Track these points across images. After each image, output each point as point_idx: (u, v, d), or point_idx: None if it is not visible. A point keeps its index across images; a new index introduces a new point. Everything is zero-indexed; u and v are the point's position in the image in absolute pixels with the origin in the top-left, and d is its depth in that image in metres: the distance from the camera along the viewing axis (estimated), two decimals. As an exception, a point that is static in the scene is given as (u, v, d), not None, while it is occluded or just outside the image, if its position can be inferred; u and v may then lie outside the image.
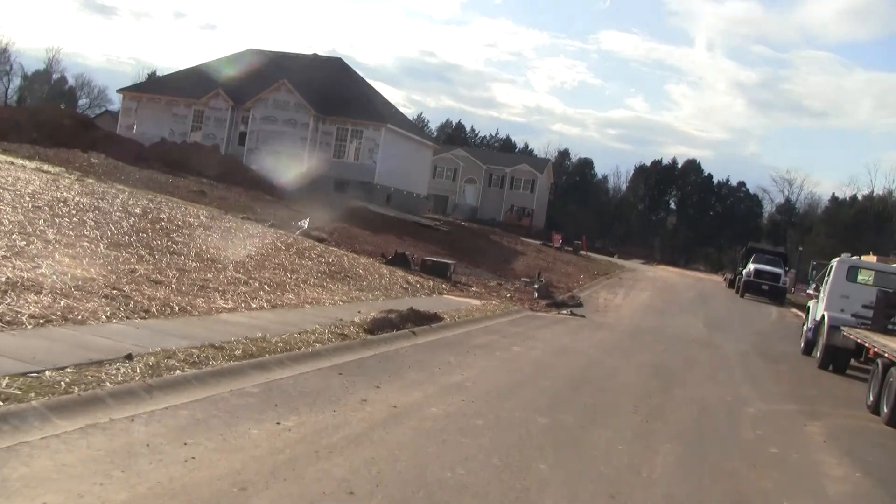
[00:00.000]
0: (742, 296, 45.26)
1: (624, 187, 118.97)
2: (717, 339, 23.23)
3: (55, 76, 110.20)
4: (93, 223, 16.96)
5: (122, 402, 7.10)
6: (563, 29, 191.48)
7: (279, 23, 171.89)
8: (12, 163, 27.42)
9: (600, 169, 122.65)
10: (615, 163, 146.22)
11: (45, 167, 28.70)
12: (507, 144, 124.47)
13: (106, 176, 30.87)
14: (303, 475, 6.20)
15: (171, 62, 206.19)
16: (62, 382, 7.08)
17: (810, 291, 26.02)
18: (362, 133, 55.08)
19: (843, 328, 18.28)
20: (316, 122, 54.86)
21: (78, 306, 10.15)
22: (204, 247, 18.18)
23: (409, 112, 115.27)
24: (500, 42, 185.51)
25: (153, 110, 57.49)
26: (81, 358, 8.02)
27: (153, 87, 62.78)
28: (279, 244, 22.35)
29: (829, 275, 22.01)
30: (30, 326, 8.84)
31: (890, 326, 17.52)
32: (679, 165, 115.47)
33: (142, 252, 15.42)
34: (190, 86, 56.08)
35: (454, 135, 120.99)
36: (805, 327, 23.40)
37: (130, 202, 22.40)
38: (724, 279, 59.73)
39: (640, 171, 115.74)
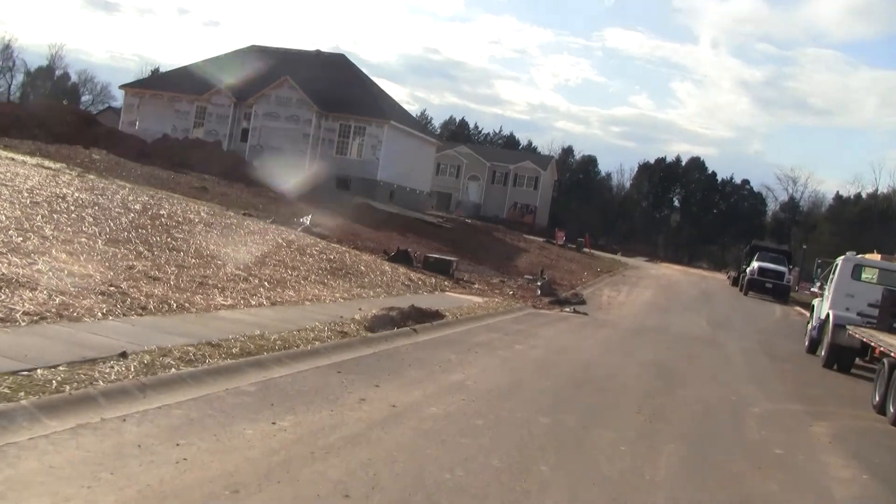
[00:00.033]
0: (746, 294, 45.09)
1: (628, 185, 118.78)
2: (720, 337, 23.07)
3: (58, 73, 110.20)
4: (91, 219, 16.81)
5: (114, 402, 6.95)
6: (567, 26, 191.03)
7: (283, 20, 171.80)
8: (13, 159, 27.33)
9: (604, 166, 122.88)
10: (619, 160, 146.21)
11: (46, 163, 28.59)
12: (510, 141, 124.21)
13: (107, 172, 30.77)
14: (297, 477, 6.04)
15: (174, 59, 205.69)
16: (54, 381, 6.94)
17: (815, 290, 25.89)
18: (365, 130, 54.87)
19: (848, 327, 18.14)
20: (319, 119, 54.67)
21: (73, 303, 10.01)
22: (204, 243, 18.05)
23: (413, 109, 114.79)
24: (504, 39, 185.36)
25: (155, 107, 57.32)
26: (75, 356, 7.88)
27: (155, 84, 62.55)
28: (280, 241, 22.21)
29: (834, 273, 21.84)
30: (23, 324, 8.70)
31: (896, 325, 17.38)
32: (683, 163, 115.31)
33: (140, 248, 15.28)
34: (192, 82, 55.87)
35: (458, 132, 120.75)
36: (809, 326, 23.24)
37: (130, 198, 22.27)
38: (728, 277, 59.56)
39: (644, 168, 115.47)
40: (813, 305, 23.77)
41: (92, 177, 26.95)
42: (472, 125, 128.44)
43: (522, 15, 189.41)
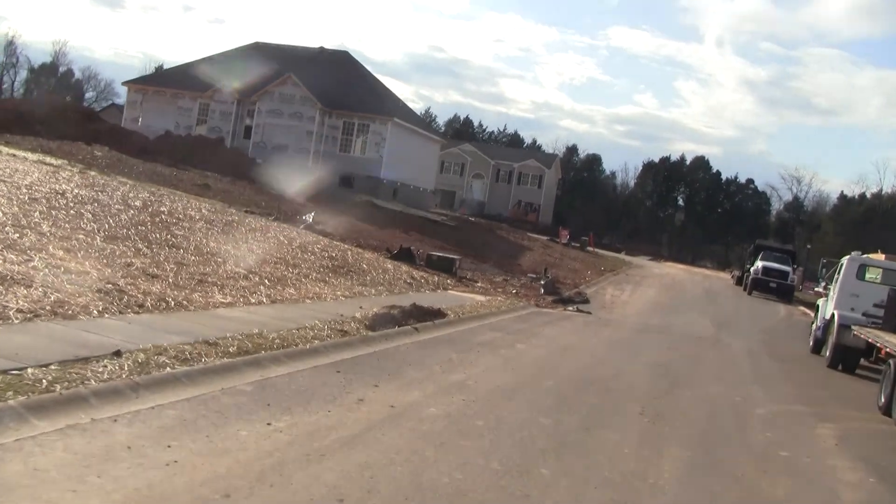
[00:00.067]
0: (750, 293, 44.92)
1: (632, 184, 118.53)
2: (724, 337, 22.89)
3: (62, 69, 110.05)
4: (90, 216, 16.66)
5: (105, 402, 6.79)
6: (572, 25, 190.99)
7: (288, 18, 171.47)
8: (14, 155, 27.19)
9: (608, 165, 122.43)
10: (623, 159, 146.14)
11: (48, 159, 28.45)
12: (515, 140, 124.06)
13: (109, 169, 30.64)
14: (291, 480, 5.87)
15: (179, 56, 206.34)
16: (44, 380, 6.78)
17: (819, 290, 25.70)
18: (369, 127, 54.77)
19: (853, 327, 17.96)
20: (322, 116, 54.55)
21: (69, 300, 9.85)
22: (204, 241, 17.90)
23: (417, 107, 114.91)
24: (509, 37, 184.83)
25: (158, 103, 57.23)
26: (67, 354, 7.72)
27: (159, 80, 62.44)
28: (282, 238, 22.07)
29: (839, 273, 21.66)
30: (16, 321, 8.54)
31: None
32: (687, 162, 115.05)
33: (139, 245, 15.13)
34: (195, 79, 55.73)
35: (462, 130, 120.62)
36: (814, 326, 23.06)
37: (131, 195, 22.13)
38: (732, 276, 59.37)
39: (649, 167, 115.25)
40: (817, 305, 23.61)
41: (93, 173, 26.81)
42: (476, 123, 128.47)
43: (527, 13, 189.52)
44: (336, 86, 55.26)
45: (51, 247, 12.65)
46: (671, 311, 29.05)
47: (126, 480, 5.33)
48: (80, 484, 5.15)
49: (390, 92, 64.91)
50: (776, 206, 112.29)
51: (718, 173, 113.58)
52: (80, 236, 14.30)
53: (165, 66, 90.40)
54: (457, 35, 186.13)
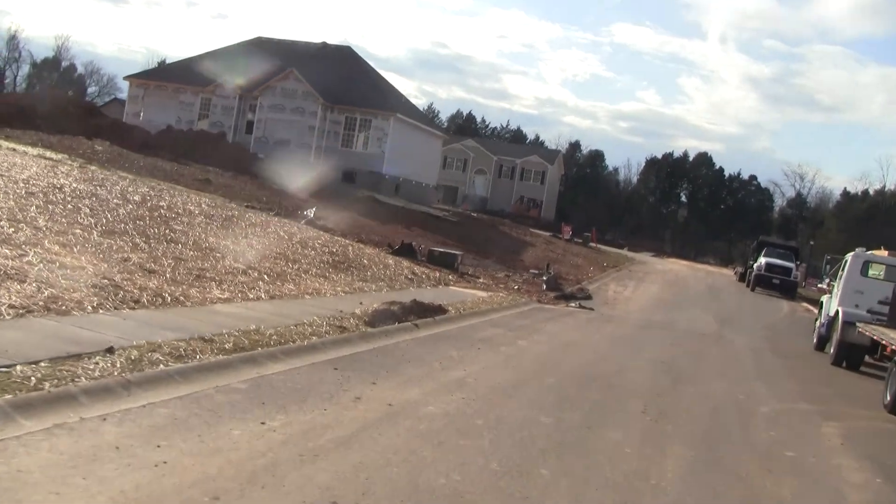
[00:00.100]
0: (753, 290, 44.73)
1: (635, 180, 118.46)
2: (728, 333, 22.72)
3: (64, 64, 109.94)
4: (88, 210, 16.52)
5: (95, 400, 6.63)
6: (575, 21, 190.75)
7: (291, 13, 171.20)
8: (14, 149, 27.08)
9: (611, 161, 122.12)
10: (626, 155, 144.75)
11: (48, 154, 28.35)
12: (517, 136, 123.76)
13: (109, 163, 30.50)
14: (283, 482, 5.70)
15: (182, 51, 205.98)
16: (33, 378, 6.62)
17: (823, 286, 25.56)
18: (371, 122, 54.60)
19: (858, 324, 17.81)
20: (324, 111, 54.38)
21: (63, 296, 9.70)
22: (203, 235, 17.75)
23: (420, 103, 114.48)
24: (512, 34, 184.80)
25: (160, 98, 57.08)
26: (58, 351, 7.56)
27: (160, 75, 62.31)
28: (282, 233, 21.92)
29: (843, 269, 21.52)
30: (8, 317, 8.38)
31: (907, 323, 17.06)
32: (690, 158, 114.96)
33: (137, 240, 14.97)
34: (197, 74, 55.59)
35: (465, 125, 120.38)
36: (818, 323, 22.90)
37: (130, 189, 21.98)
38: (735, 273, 59.18)
39: (652, 163, 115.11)
40: (821, 302, 23.44)
41: (93, 168, 26.68)
42: (479, 119, 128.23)
43: (530, 9, 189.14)
44: (338, 81, 55.09)
45: (46, 241, 12.51)
46: (674, 307, 28.88)
47: (112, 482, 5.16)
48: (63, 486, 4.98)
49: (393, 87, 64.74)
50: (779, 202, 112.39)
51: (721, 170, 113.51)
52: (77, 231, 14.15)
53: (168, 62, 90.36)
54: (460, 31, 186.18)
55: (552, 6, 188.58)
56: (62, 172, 22.05)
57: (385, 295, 16.38)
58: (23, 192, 16.47)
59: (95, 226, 15.14)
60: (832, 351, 19.65)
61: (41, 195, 16.74)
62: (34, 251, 11.52)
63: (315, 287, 15.61)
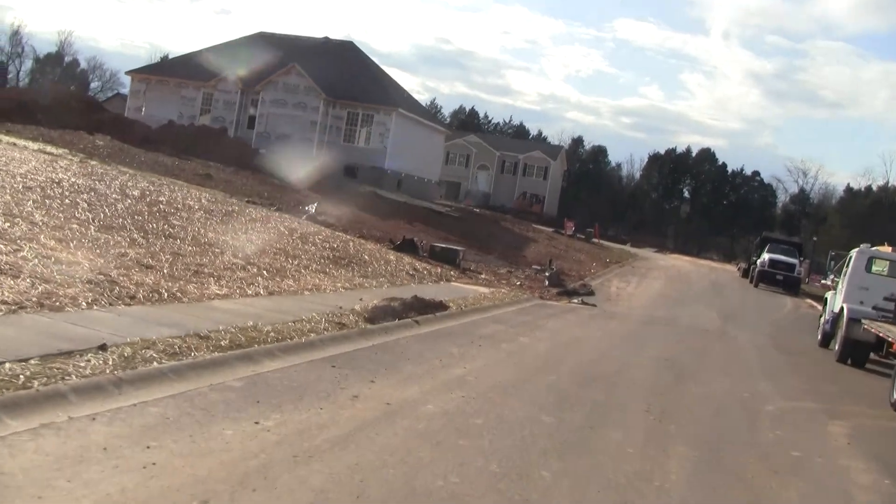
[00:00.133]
0: (756, 286, 44.56)
1: (637, 175, 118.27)
2: (731, 330, 22.54)
3: (67, 59, 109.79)
4: (86, 205, 16.36)
5: (85, 399, 6.45)
6: (578, 17, 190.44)
7: (295, 9, 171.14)
8: (14, 143, 26.97)
9: (614, 157, 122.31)
10: (629, 151, 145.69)
11: (49, 148, 28.22)
12: (520, 131, 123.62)
13: (110, 158, 30.38)
14: (275, 484, 5.52)
15: (185, 47, 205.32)
16: (21, 376, 6.44)
17: (827, 282, 25.37)
18: (373, 118, 54.40)
19: (863, 321, 17.63)
20: (326, 106, 54.19)
21: (57, 291, 9.54)
22: (202, 231, 17.60)
23: (423, 98, 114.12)
24: (515, 29, 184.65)
25: (162, 93, 56.89)
26: (50, 348, 7.39)
27: (162, 70, 62.05)
28: (282, 229, 21.76)
29: (847, 266, 21.33)
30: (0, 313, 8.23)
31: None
32: (693, 154, 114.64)
33: (135, 235, 14.82)
34: (199, 68, 55.41)
35: (467, 121, 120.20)
36: (822, 319, 22.72)
37: (130, 184, 21.83)
38: (738, 269, 59.00)
39: (654, 159, 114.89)
40: (826, 299, 23.26)
41: (94, 163, 26.56)
42: (482, 115, 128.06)
43: (533, 5, 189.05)
44: (340, 76, 54.89)
45: (42, 236, 12.36)
46: (677, 303, 28.71)
47: (98, 485, 4.99)
48: (46, 489, 4.81)
49: (395, 82, 64.53)
50: (782, 198, 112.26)
51: (724, 165, 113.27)
52: (74, 226, 14.00)
53: (171, 57, 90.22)
54: (463, 27, 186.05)
55: (555, 2, 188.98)
56: (61, 167, 21.91)
57: (386, 291, 16.21)
58: (20, 187, 16.33)
59: (93, 221, 14.99)
60: (837, 348, 19.46)
61: (39, 190, 16.60)
62: (29, 246, 11.37)
63: (315, 283, 15.45)
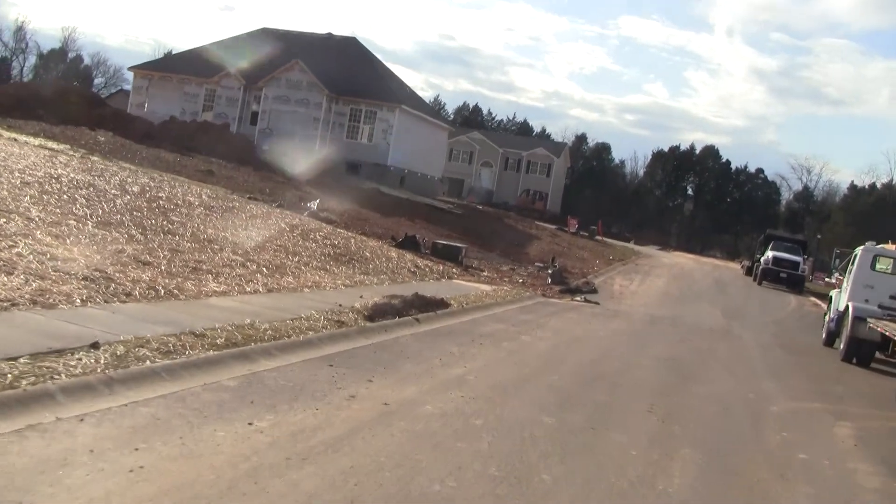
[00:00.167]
0: (759, 283, 44.36)
1: (641, 173, 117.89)
2: (735, 328, 22.36)
3: (71, 55, 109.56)
4: (84, 201, 16.18)
5: (74, 399, 6.29)
6: (582, 14, 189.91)
7: (299, 5, 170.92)
8: (15, 139, 26.80)
9: (618, 154, 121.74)
10: (633, 148, 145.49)
11: (50, 144, 28.08)
12: (524, 128, 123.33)
13: (111, 154, 30.21)
14: (266, 489, 5.33)
15: (189, 43, 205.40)
16: (9, 375, 6.28)
17: (833, 280, 25.20)
18: (376, 114, 54.26)
19: (869, 320, 17.44)
20: (329, 103, 54.05)
21: (51, 288, 9.37)
22: (202, 227, 17.42)
23: (427, 95, 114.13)
24: (519, 26, 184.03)
25: (164, 89, 56.81)
26: (40, 346, 7.23)
27: (165, 66, 61.98)
28: (283, 225, 21.57)
29: (852, 263, 21.13)
30: (-10, 310, 8.07)
31: (920, 319, 16.72)
32: (697, 151, 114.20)
33: (133, 232, 14.65)
34: (202, 64, 55.32)
35: (471, 118, 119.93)
36: (827, 318, 22.50)
37: (129, 180, 21.65)
38: (742, 266, 58.78)
39: (658, 156, 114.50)
40: (830, 297, 23.05)
41: (95, 158, 26.38)
42: (485, 112, 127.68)
43: (537, 2, 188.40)
44: (343, 72, 54.75)
45: (38, 232, 12.19)
46: (680, 301, 28.54)
47: (81, 490, 4.81)
48: (27, 494, 4.63)
49: (398, 79, 64.36)
50: (786, 195, 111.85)
51: (728, 162, 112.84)
52: (71, 222, 13.84)
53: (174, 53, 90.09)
54: (467, 23, 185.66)
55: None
56: (61, 162, 21.73)
57: (386, 288, 16.05)
58: (18, 182, 16.15)
59: (91, 217, 14.82)
60: (842, 347, 19.26)
61: (37, 185, 16.43)
62: (24, 242, 11.21)
63: (315, 280, 15.28)
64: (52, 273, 10.07)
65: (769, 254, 44.83)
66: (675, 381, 12.79)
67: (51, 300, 9.01)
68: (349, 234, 24.14)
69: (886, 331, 16.23)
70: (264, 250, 16.83)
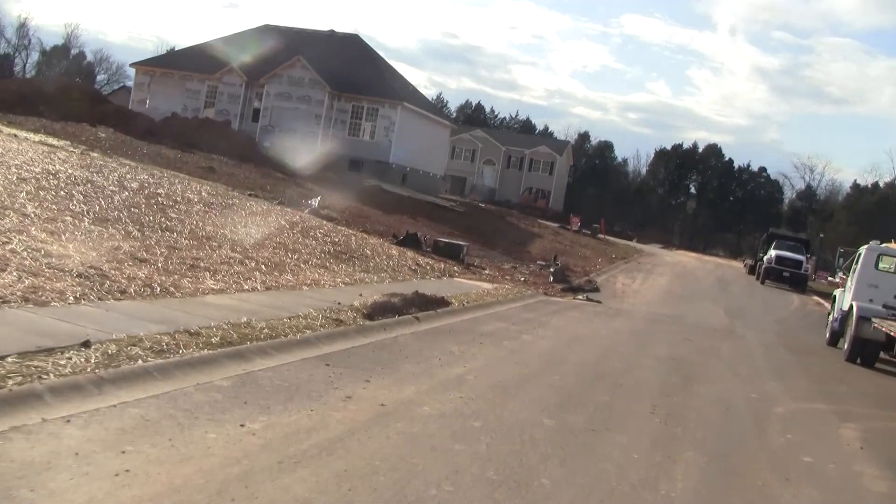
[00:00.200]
0: (762, 282, 44.22)
1: (644, 171, 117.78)
2: (738, 328, 22.19)
3: (73, 51, 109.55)
4: (81, 197, 16.04)
5: (62, 399, 6.12)
6: (585, 12, 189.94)
7: (301, 2, 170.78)
8: (15, 135, 26.68)
9: (620, 152, 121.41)
10: (635, 146, 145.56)
11: (50, 140, 27.94)
12: (526, 126, 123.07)
13: (112, 150, 30.09)
14: (256, 493, 5.17)
15: (192, 40, 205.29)
16: (-4, 375, 6.13)
17: (836, 280, 25.03)
18: (378, 111, 54.08)
19: (873, 319, 17.28)
20: (331, 100, 53.88)
21: (44, 286, 9.21)
22: (200, 224, 17.27)
23: (430, 93, 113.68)
24: (523, 24, 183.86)
25: (166, 85, 56.66)
26: (29, 345, 7.06)
27: (167, 62, 61.78)
28: (283, 222, 21.44)
29: (857, 263, 20.96)
30: (-20, 308, 7.91)
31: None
32: (700, 150, 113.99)
33: (130, 228, 14.50)
34: (204, 61, 55.17)
35: (473, 116, 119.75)
36: (831, 317, 22.32)
37: (129, 176, 21.51)
38: (745, 265, 58.65)
39: (661, 155, 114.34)
40: (834, 296, 22.87)
41: (95, 154, 26.25)
42: (488, 110, 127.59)
43: (540, 0, 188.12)
44: (346, 69, 54.57)
45: (33, 229, 12.05)
46: (683, 300, 28.38)
47: (63, 495, 4.65)
48: (5, 500, 4.47)
49: (400, 76, 64.16)
50: (789, 194, 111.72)
51: (731, 161, 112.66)
52: (67, 218, 13.69)
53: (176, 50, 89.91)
54: (470, 21, 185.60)
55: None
56: (59, 159, 21.59)
57: (387, 286, 15.88)
58: (14, 178, 16.01)
59: (87, 213, 14.67)
60: (846, 347, 19.09)
61: (33, 181, 16.28)
62: (19, 239, 11.05)
63: (314, 278, 15.13)
64: (45, 270, 9.92)
65: (772, 252, 44.69)
66: (677, 382, 12.61)
67: (43, 297, 8.85)
68: (350, 231, 24.00)
69: (891, 330, 16.09)
70: (263, 248, 16.68)
